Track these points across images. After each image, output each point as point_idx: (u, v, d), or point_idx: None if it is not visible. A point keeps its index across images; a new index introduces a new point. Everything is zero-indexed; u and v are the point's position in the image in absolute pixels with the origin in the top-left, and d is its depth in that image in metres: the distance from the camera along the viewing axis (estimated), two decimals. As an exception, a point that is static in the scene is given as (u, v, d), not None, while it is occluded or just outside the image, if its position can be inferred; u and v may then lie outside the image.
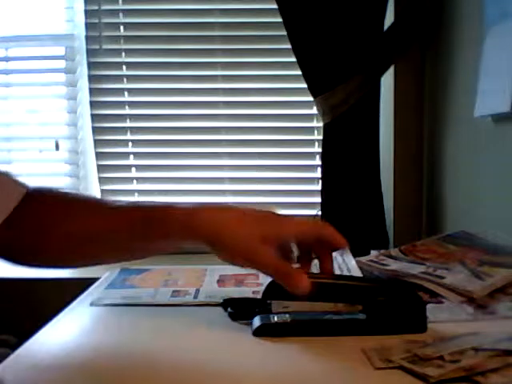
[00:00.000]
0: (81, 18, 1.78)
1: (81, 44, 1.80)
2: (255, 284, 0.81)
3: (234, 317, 0.67)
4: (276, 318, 0.62)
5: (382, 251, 0.94)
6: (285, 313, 0.63)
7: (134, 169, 1.86)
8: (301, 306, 0.63)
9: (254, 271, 0.84)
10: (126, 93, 1.83)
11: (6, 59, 1.88)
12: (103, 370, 0.53)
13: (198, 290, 0.78)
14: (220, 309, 0.70)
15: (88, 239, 0.61)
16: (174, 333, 0.63)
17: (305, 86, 1.53)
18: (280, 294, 0.59)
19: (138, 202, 0.69)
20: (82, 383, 0.51)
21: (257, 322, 0.62)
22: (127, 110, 1.83)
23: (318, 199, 1.57)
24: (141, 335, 0.63)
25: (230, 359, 0.55)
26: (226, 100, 1.82)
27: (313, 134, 1.82)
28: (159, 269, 0.93)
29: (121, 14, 1.80)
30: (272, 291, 0.62)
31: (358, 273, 0.82)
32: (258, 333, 0.61)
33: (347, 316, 0.63)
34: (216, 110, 1.82)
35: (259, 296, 0.67)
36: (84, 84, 1.81)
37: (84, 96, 1.82)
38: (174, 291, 0.78)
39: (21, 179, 0.65)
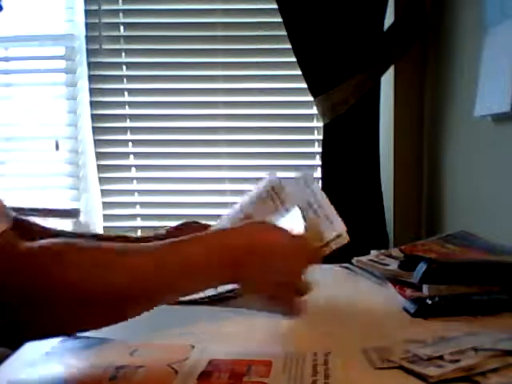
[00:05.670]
0: (81, 18, 1.78)
1: (81, 44, 1.80)
2: None
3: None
4: (429, 301, 0.68)
5: (382, 251, 0.94)
6: (436, 296, 0.69)
7: (133, 169, 1.86)
8: (450, 289, 0.71)
9: None
10: (126, 93, 1.82)
11: (6, 59, 1.88)
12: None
13: None
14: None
15: None
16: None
17: (305, 85, 1.53)
18: (435, 278, 0.70)
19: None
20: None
21: (412, 304, 0.68)
22: (127, 110, 1.83)
23: (318, 199, 1.56)
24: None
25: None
26: (226, 100, 1.82)
27: (313, 133, 1.82)
28: None
29: (121, 14, 1.80)
30: (428, 276, 0.70)
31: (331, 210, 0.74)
32: (417, 314, 0.66)
33: (492, 296, 0.69)
34: (216, 110, 1.82)
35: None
36: (84, 84, 1.81)
37: (84, 96, 1.82)
38: None
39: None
